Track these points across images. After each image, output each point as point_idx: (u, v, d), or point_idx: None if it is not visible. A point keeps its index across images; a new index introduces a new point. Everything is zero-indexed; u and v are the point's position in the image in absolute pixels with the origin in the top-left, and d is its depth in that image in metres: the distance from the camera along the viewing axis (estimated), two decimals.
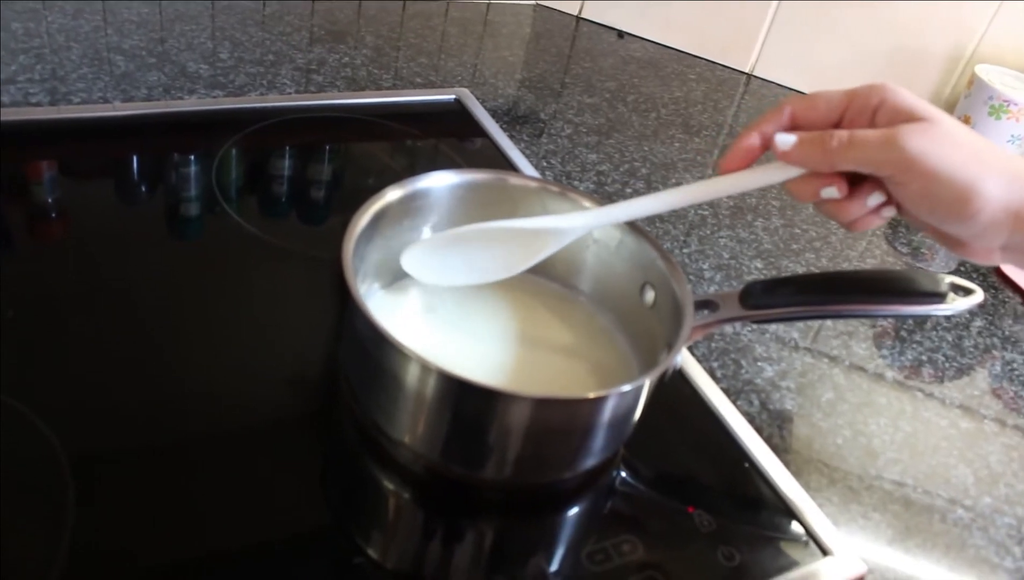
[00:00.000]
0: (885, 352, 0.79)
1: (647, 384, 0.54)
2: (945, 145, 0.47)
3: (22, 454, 0.52)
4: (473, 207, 0.64)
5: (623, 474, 0.61)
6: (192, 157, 0.84)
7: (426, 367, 0.50)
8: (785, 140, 0.51)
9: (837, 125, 0.51)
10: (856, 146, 0.48)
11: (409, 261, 0.60)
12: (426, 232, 0.64)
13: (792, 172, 0.52)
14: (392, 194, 0.60)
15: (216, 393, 0.61)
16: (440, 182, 0.62)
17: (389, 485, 0.58)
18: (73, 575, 0.47)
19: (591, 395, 0.52)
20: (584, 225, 0.59)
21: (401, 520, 0.58)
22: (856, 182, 0.51)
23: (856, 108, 0.51)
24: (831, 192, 0.51)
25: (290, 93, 0.96)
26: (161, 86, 0.92)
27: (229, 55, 1.01)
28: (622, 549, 0.55)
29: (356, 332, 0.54)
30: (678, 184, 0.96)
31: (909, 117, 0.48)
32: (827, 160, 0.50)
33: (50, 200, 0.77)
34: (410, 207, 0.62)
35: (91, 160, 0.83)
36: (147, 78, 0.92)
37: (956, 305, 0.58)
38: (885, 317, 0.81)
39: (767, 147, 0.53)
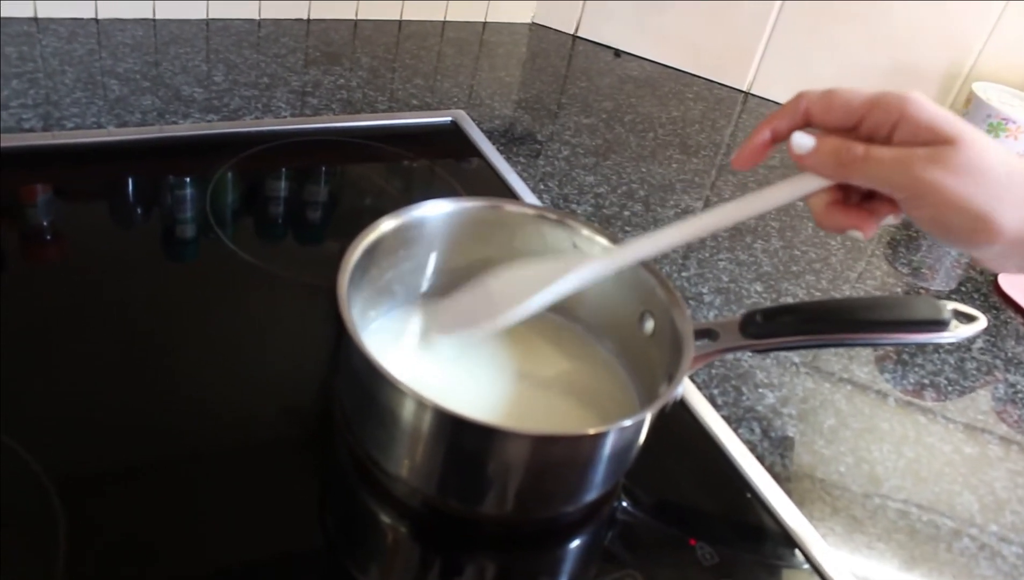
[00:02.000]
0: (887, 376, 0.79)
1: (648, 418, 0.53)
2: (961, 174, 0.45)
3: (9, 480, 0.52)
4: (469, 235, 0.63)
5: (624, 504, 0.60)
6: (187, 180, 0.83)
7: (422, 403, 0.49)
8: (802, 143, 0.49)
9: (855, 128, 0.49)
10: (871, 164, 0.47)
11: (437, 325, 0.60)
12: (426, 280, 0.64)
13: (811, 186, 0.50)
14: (387, 224, 0.59)
15: (209, 420, 0.60)
16: (435, 211, 0.62)
17: (386, 518, 0.57)
18: None
19: (591, 431, 0.52)
20: (606, 268, 0.56)
21: (398, 554, 0.57)
22: (870, 195, 0.50)
23: (877, 117, 0.48)
24: (857, 234, 0.50)
25: (285, 116, 0.96)
26: (155, 110, 0.91)
27: (224, 78, 1.00)
28: None
29: (351, 365, 0.54)
30: (676, 206, 0.96)
31: (932, 136, 0.46)
32: (840, 173, 0.48)
33: (45, 223, 0.76)
34: (405, 237, 0.61)
35: (86, 183, 0.82)
36: (141, 102, 0.92)
37: (959, 333, 0.57)
38: (887, 345, 0.80)
39: (778, 141, 0.52)
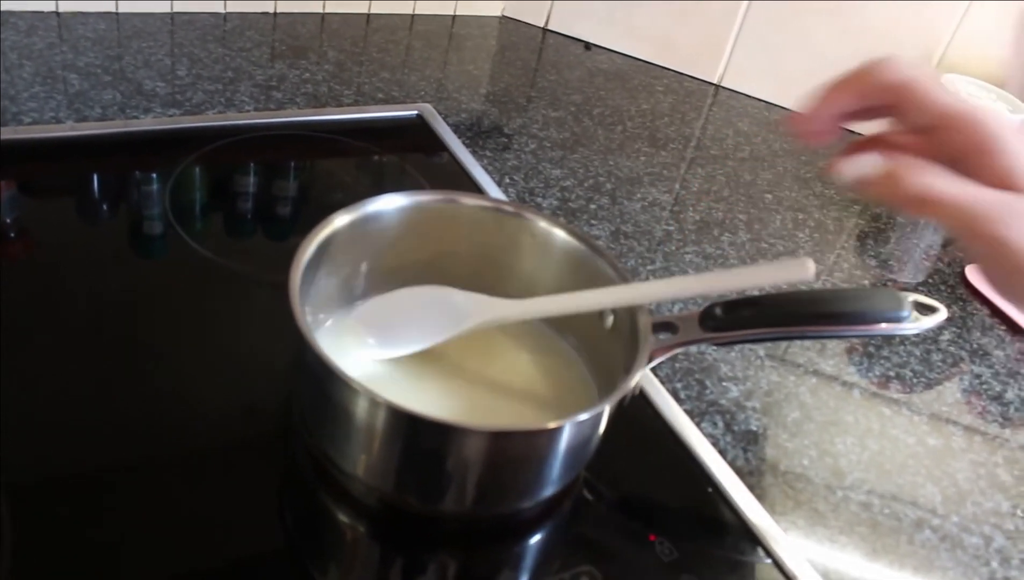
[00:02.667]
0: (852, 368, 0.78)
1: (606, 410, 0.53)
2: None
3: None
4: (426, 229, 0.62)
5: (586, 496, 0.60)
6: (153, 176, 0.82)
7: (375, 401, 0.48)
8: (866, 168, 0.44)
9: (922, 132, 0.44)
10: (934, 206, 0.41)
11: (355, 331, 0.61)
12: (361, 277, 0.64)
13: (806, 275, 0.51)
14: (340, 220, 0.58)
15: (170, 418, 0.59)
16: (390, 205, 0.61)
17: (344, 518, 0.57)
18: None
19: (549, 425, 0.51)
20: (521, 313, 0.59)
21: (357, 553, 0.57)
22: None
23: (951, 138, 0.42)
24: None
25: (248, 111, 0.94)
26: (116, 105, 0.90)
27: (187, 72, 0.99)
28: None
29: (306, 363, 0.53)
30: (643, 199, 0.95)
31: (1017, 182, 0.40)
32: (898, 203, 0.42)
33: (9, 220, 0.75)
34: (360, 232, 0.60)
35: (50, 179, 0.81)
36: (102, 97, 0.91)
37: (920, 324, 0.57)
38: (848, 337, 0.80)
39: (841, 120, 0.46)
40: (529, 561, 0.57)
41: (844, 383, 0.76)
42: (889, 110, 0.45)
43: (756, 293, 0.59)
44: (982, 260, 0.43)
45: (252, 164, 0.88)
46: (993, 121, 0.42)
